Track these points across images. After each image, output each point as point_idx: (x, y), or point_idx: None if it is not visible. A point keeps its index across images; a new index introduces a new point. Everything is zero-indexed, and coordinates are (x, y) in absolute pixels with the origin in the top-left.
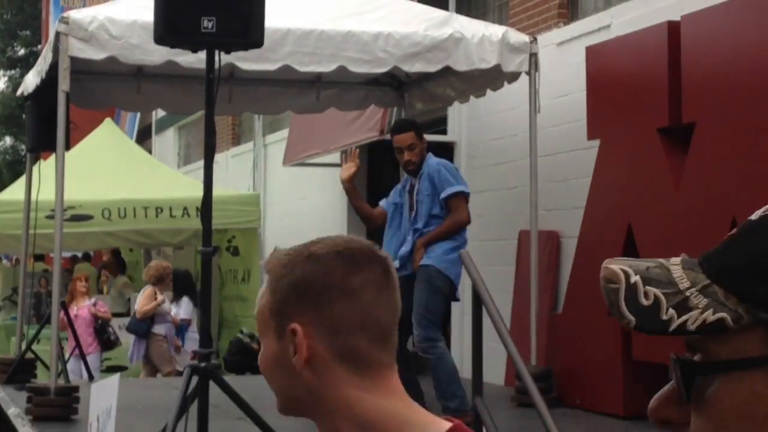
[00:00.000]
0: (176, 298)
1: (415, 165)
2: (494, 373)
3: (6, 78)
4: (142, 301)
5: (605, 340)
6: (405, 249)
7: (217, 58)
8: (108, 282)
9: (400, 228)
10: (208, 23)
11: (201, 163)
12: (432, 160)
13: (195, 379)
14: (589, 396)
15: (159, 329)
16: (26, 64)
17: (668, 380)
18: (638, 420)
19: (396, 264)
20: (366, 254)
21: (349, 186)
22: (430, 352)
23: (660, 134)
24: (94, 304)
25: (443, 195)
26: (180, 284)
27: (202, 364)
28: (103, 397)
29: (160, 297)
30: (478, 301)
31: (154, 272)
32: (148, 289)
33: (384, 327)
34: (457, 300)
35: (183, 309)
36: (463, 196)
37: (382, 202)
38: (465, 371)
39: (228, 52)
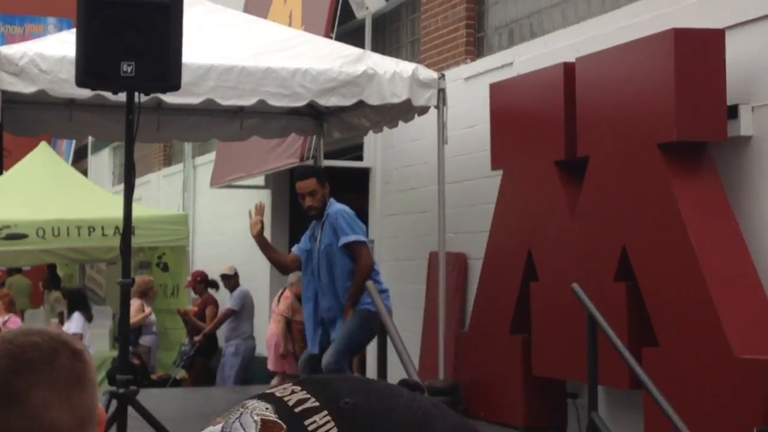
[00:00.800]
0: (68, 314)
1: (317, 210)
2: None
3: None
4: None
5: (508, 357)
6: (328, 305)
7: (137, 99)
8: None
9: (314, 274)
10: (127, 68)
11: (136, 182)
12: (333, 207)
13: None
14: (493, 408)
15: (145, 340)
16: None
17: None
18: (537, 430)
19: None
20: (42, 350)
21: (260, 239)
22: None
23: (557, 166)
24: (5, 322)
25: (340, 243)
26: (72, 300)
27: (121, 390)
28: None
29: (147, 309)
30: (382, 329)
31: (137, 287)
32: (135, 303)
33: (62, 430)
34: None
35: (74, 324)
36: (361, 244)
37: (295, 248)
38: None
39: (147, 94)
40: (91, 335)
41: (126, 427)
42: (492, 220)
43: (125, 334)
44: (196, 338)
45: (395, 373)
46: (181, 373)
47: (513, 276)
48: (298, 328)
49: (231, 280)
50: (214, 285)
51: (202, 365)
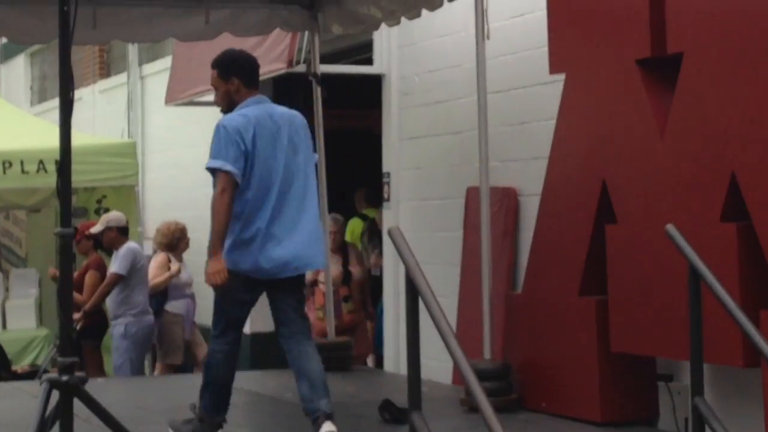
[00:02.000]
0: None
1: (222, 110)
2: (441, 368)
3: None
4: (152, 271)
5: (577, 328)
6: None
7: None
8: None
9: None
10: None
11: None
12: (230, 114)
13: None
14: (558, 398)
15: (174, 306)
16: None
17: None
18: (618, 426)
19: None
20: None
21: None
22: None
23: (640, 67)
24: None
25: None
26: None
27: (64, 378)
28: None
29: (174, 266)
30: (413, 290)
31: (162, 237)
32: (159, 257)
33: None
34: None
35: None
36: (222, 173)
37: None
38: (404, 368)
39: None
40: (9, 308)
41: (72, 426)
42: (552, 142)
43: (67, 302)
44: (76, 316)
45: (433, 352)
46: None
47: (582, 217)
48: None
49: (105, 236)
50: (100, 245)
51: (90, 350)
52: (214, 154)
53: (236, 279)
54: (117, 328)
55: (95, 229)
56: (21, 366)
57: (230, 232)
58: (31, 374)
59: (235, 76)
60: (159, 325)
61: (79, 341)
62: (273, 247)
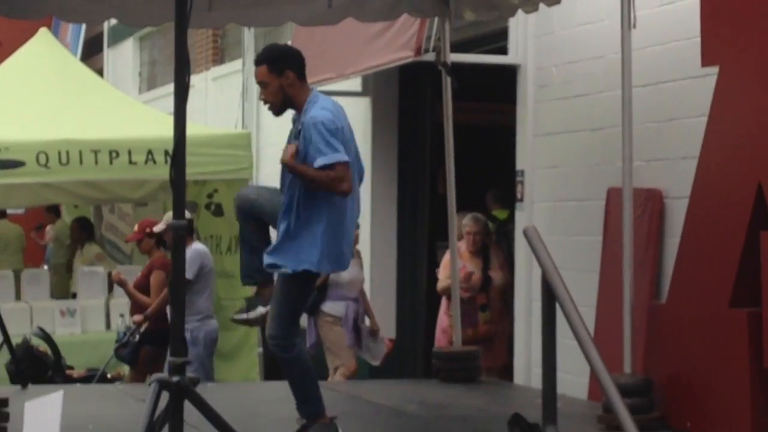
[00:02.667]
0: None
1: (274, 107)
2: (576, 383)
3: None
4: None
5: (727, 342)
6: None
7: None
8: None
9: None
10: None
11: (171, 88)
12: (312, 110)
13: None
14: (705, 418)
15: (331, 307)
16: None
17: None
18: None
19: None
20: None
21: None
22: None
23: None
24: None
25: (316, 164)
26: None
27: (175, 378)
28: (41, 420)
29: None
30: (549, 295)
31: None
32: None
33: None
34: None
35: None
36: (343, 166)
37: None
38: (536, 381)
39: None
40: (113, 306)
41: (182, 428)
42: (703, 140)
43: (180, 298)
44: (137, 319)
45: (567, 365)
46: (116, 369)
47: (735, 222)
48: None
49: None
50: (164, 243)
51: (150, 357)
52: (328, 149)
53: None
54: None
55: (158, 228)
56: (77, 370)
57: (314, 233)
58: (88, 378)
59: (289, 69)
60: (315, 327)
61: (139, 345)
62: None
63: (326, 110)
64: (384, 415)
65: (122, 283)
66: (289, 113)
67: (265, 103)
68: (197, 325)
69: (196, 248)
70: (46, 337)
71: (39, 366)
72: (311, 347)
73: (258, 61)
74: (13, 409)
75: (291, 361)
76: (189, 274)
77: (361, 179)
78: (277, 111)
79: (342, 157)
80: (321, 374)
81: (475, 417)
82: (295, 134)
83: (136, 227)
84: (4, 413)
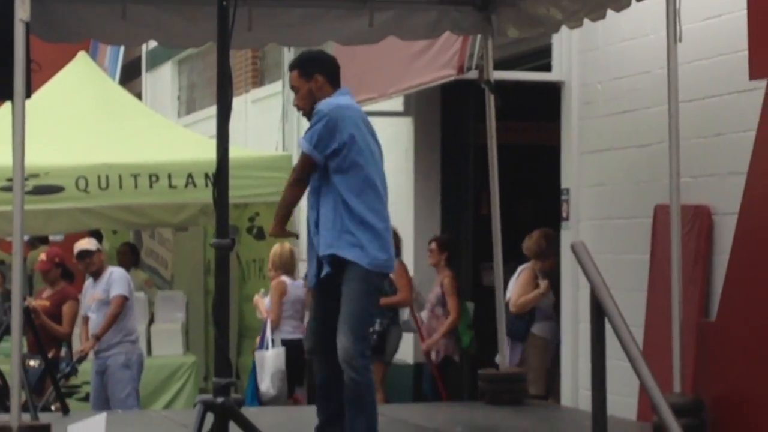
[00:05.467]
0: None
1: (304, 111)
2: (624, 403)
3: None
4: (517, 290)
5: None
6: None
7: None
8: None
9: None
10: None
11: (211, 111)
12: (323, 103)
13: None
14: None
15: (541, 329)
16: None
17: None
18: None
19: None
20: None
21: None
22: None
23: None
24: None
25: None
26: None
27: (219, 399)
28: None
29: (543, 283)
30: (598, 311)
31: (279, 258)
32: (525, 272)
33: None
34: None
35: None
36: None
37: None
38: (583, 403)
39: None
40: (154, 333)
41: None
42: (752, 156)
43: (224, 322)
44: (83, 348)
45: (614, 385)
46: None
47: None
48: None
49: (93, 259)
50: (69, 275)
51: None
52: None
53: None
54: (116, 358)
55: (92, 246)
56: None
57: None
58: None
59: (318, 73)
60: (522, 350)
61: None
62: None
63: (336, 102)
64: None
65: (35, 312)
66: None
67: (298, 109)
68: (131, 347)
69: (119, 270)
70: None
71: None
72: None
73: (291, 67)
74: None
75: (367, 387)
76: (125, 291)
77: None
78: (309, 115)
79: (311, 150)
80: None
81: None
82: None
83: (43, 256)
84: None
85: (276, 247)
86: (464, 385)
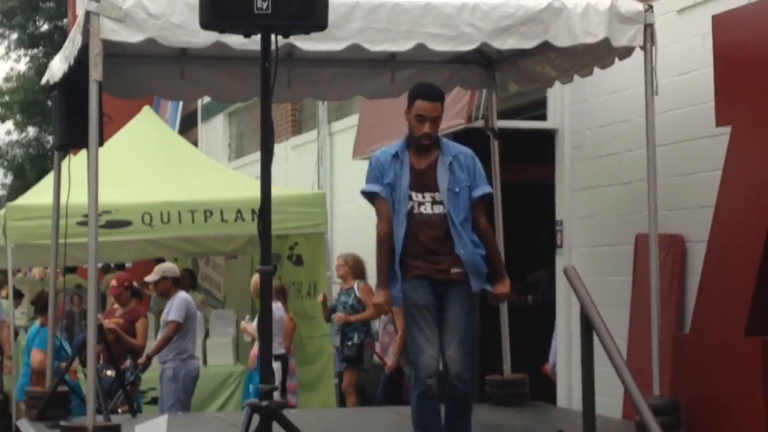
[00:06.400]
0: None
1: (432, 140)
2: (611, 404)
3: (27, 58)
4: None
5: (743, 367)
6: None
7: (273, 42)
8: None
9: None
10: (262, 3)
11: (256, 156)
12: (456, 146)
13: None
14: None
15: None
16: (50, 41)
17: None
18: None
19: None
20: None
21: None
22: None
23: None
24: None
25: (478, 194)
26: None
27: (264, 403)
28: None
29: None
30: (587, 326)
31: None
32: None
33: None
34: None
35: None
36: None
37: (383, 192)
38: (575, 403)
39: (286, 36)
40: (209, 346)
41: None
42: (718, 192)
43: (268, 333)
44: (141, 361)
45: (602, 388)
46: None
47: (748, 262)
48: None
49: (160, 285)
50: (138, 294)
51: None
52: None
53: None
54: (166, 372)
55: (150, 278)
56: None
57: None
58: None
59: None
60: None
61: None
62: None
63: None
64: None
65: (114, 330)
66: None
67: (428, 137)
68: (180, 363)
69: (182, 296)
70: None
71: None
72: None
73: (435, 96)
74: None
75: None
76: (180, 318)
77: None
78: (432, 146)
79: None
80: None
81: None
82: (448, 164)
83: (114, 282)
84: None
85: (256, 277)
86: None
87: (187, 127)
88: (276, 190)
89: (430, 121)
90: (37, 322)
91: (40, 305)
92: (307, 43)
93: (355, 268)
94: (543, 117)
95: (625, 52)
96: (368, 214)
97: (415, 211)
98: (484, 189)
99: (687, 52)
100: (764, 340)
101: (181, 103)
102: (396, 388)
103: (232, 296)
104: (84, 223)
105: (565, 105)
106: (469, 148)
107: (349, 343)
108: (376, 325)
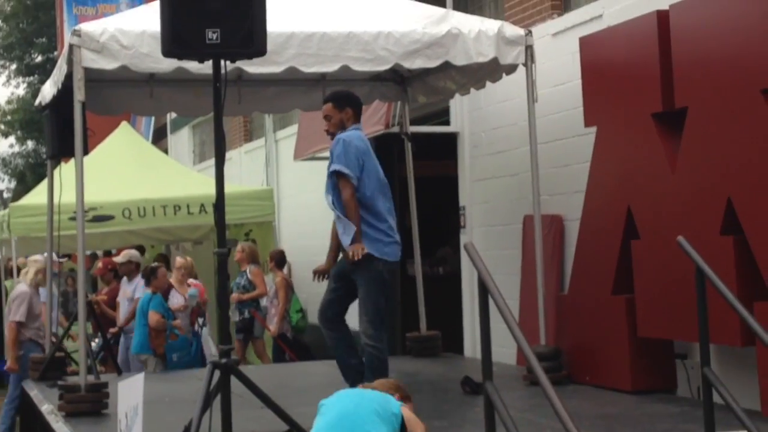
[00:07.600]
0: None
1: (333, 135)
2: (507, 353)
3: (25, 84)
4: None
5: (611, 319)
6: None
7: (222, 67)
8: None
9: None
10: (212, 35)
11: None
12: (345, 133)
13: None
14: (598, 373)
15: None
16: (44, 70)
17: (673, 356)
18: (644, 394)
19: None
20: None
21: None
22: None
23: (654, 119)
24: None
25: (330, 169)
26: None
27: (223, 360)
28: (129, 395)
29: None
30: (484, 291)
31: (247, 253)
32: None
33: None
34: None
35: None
36: (342, 176)
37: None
38: (479, 353)
39: (233, 61)
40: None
41: (230, 399)
42: (588, 179)
43: (224, 302)
44: (113, 330)
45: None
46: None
47: (613, 235)
48: None
49: (125, 267)
50: (119, 276)
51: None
52: (339, 161)
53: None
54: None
55: (119, 260)
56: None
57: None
58: None
59: (348, 107)
60: None
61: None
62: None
63: (351, 136)
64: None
65: (96, 303)
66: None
67: (327, 133)
68: None
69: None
70: None
71: None
72: None
73: (325, 99)
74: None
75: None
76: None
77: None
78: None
79: (343, 168)
80: None
81: (437, 380)
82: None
83: (100, 264)
84: (105, 392)
85: (182, 260)
86: (397, 343)
87: (159, 138)
88: (232, 187)
89: (324, 119)
90: (149, 290)
91: (145, 276)
92: (253, 67)
93: (249, 255)
94: (447, 122)
95: (511, 69)
96: (307, 204)
97: None
98: (333, 167)
99: (560, 68)
100: (627, 297)
101: (153, 118)
102: (281, 350)
103: (199, 275)
104: (74, 218)
105: (465, 112)
106: (388, 148)
107: (241, 317)
108: (264, 301)
